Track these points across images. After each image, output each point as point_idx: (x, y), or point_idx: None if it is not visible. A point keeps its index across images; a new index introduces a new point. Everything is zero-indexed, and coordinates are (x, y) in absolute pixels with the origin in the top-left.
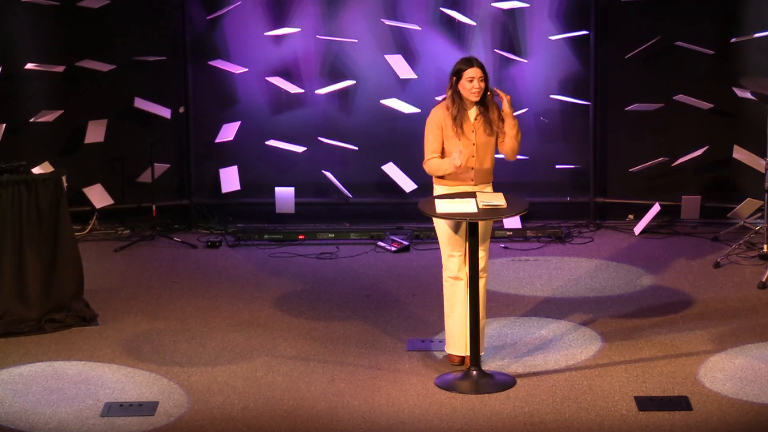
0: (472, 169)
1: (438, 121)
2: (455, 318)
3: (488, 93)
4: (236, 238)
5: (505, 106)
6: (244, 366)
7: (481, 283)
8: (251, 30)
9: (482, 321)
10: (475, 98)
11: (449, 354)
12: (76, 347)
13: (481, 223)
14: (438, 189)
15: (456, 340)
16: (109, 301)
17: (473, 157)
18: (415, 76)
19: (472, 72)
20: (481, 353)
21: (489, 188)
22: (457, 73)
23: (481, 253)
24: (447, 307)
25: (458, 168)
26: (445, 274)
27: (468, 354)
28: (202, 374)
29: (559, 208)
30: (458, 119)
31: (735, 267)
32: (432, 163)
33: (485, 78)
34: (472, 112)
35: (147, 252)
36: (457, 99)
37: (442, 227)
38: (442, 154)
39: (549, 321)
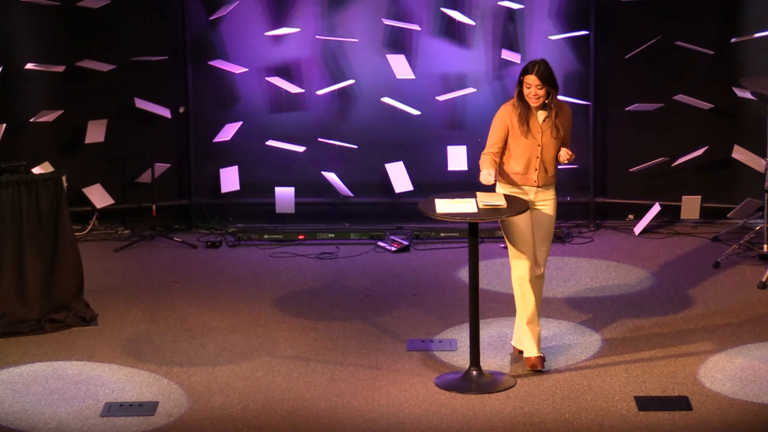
0: (536, 170)
1: (504, 117)
2: (519, 314)
3: (557, 99)
4: (236, 238)
5: (564, 158)
6: (244, 366)
7: (539, 284)
8: (251, 30)
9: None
10: (533, 104)
11: (513, 346)
12: (76, 347)
13: (540, 221)
14: (499, 188)
15: (516, 335)
16: (109, 301)
17: (537, 158)
18: (413, 77)
19: (529, 80)
20: (538, 354)
21: (552, 192)
22: (521, 76)
23: (543, 254)
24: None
25: (484, 183)
26: (514, 273)
27: (537, 353)
28: (202, 374)
29: (559, 208)
30: (523, 117)
31: (735, 267)
32: (483, 158)
33: (545, 86)
34: (541, 114)
35: (147, 252)
36: (522, 99)
37: (507, 226)
38: (503, 150)
39: (549, 321)
